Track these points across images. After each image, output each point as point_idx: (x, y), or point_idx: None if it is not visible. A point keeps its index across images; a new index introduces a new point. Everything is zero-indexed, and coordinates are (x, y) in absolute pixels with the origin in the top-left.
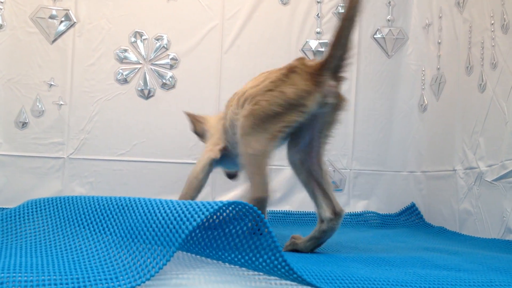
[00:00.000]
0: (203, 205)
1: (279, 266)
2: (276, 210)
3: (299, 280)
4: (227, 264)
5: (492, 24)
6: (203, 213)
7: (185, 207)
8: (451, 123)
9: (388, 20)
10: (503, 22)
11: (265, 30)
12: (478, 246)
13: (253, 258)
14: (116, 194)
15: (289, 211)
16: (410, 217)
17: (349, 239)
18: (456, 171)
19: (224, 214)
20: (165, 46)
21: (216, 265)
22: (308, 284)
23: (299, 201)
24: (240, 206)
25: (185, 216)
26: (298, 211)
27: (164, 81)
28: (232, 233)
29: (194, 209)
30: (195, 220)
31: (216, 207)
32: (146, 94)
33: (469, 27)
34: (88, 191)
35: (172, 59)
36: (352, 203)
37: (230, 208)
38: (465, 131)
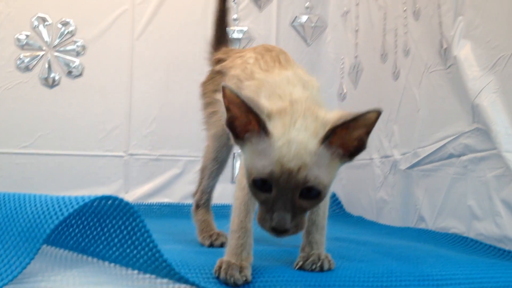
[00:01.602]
0: (72, 199)
1: (156, 263)
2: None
3: (177, 277)
4: (102, 262)
5: (405, 10)
6: (72, 207)
7: (53, 201)
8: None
9: (307, 8)
10: (415, 8)
11: (179, 16)
12: (391, 235)
13: (130, 255)
14: (19, 190)
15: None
16: (331, 206)
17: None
18: (373, 160)
19: (98, 208)
20: (71, 31)
21: (90, 264)
22: (187, 281)
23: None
24: (112, 200)
25: (53, 210)
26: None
27: (70, 69)
28: (108, 228)
29: (62, 203)
30: (62, 214)
31: (85, 201)
32: (50, 82)
33: (383, 14)
34: None
35: (78, 45)
36: None
37: (102, 202)
38: (380, 119)
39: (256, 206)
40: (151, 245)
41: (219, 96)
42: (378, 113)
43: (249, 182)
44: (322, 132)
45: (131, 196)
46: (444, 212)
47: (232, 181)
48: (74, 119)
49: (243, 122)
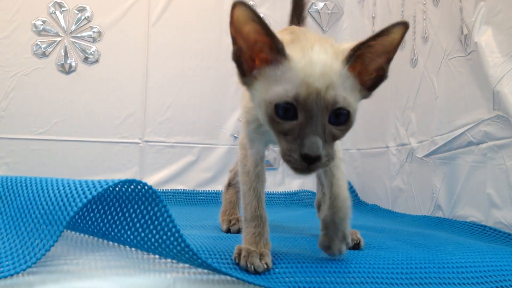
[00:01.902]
0: (95, 183)
1: (178, 248)
2: (208, 191)
3: (199, 262)
4: (123, 247)
5: None
6: (95, 190)
7: (76, 184)
8: (385, 99)
9: None
10: None
11: (195, 2)
12: (407, 223)
13: (152, 240)
14: (35, 175)
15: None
16: None
17: (279, 218)
18: (389, 148)
19: (120, 192)
20: (88, 17)
21: (112, 249)
22: (208, 266)
23: None
24: (135, 184)
25: (76, 193)
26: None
27: (86, 55)
28: (129, 213)
29: (85, 186)
30: (86, 197)
31: (109, 184)
32: (67, 68)
33: (402, 1)
34: (4, 172)
35: (95, 31)
36: (287, 182)
37: (125, 186)
38: (397, 107)
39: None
40: (173, 230)
41: None
42: (404, 27)
43: (268, 115)
44: (342, 56)
45: (147, 182)
46: (462, 200)
47: None
48: (90, 105)
49: (250, 56)
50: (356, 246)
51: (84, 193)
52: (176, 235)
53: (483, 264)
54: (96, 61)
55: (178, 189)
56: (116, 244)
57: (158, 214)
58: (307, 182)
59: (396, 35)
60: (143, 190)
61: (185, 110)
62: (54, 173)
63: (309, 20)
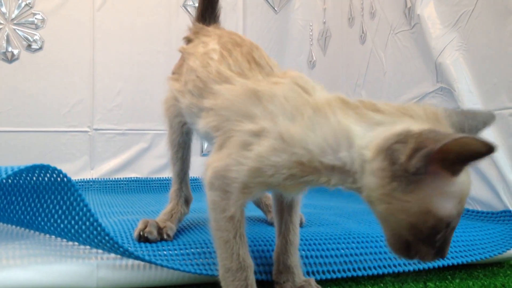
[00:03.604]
0: (1, 169)
1: (99, 238)
2: (162, 178)
3: (122, 251)
4: (43, 235)
5: None
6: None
7: None
8: (337, 77)
9: None
10: None
11: None
12: (354, 200)
13: (72, 230)
14: None
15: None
16: None
17: None
18: None
19: (29, 178)
20: (29, 4)
21: (31, 237)
22: (133, 256)
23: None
24: (50, 171)
25: None
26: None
27: (29, 42)
28: (46, 201)
29: None
30: None
31: (13, 171)
32: (9, 57)
33: None
34: None
35: (38, 18)
36: None
37: (41, 174)
38: (349, 85)
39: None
40: (91, 219)
41: (174, 77)
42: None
43: (424, 226)
44: None
45: (98, 172)
46: None
47: (202, 153)
48: (35, 94)
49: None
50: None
51: None
52: (95, 224)
53: None
54: (40, 48)
55: (131, 177)
56: (36, 232)
57: (75, 203)
58: None
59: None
60: (58, 178)
61: (135, 96)
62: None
63: (260, 1)
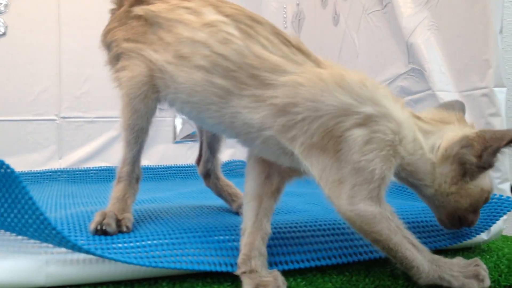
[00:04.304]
0: None
1: (46, 232)
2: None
3: (65, 242)
4: None
5: None
6: None
7: None
8: None
9: None
10: None
11: None
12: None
13: (19, 224)
14: None
15: (148, 166)
16: None
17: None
18: None
19: None
20: None
21: None
22: (83, 250)
23: (159, 154)
24: None
25: None
26: (159, 166)
27: None
28: None
29: None
30: None
31: None
32: None
33: None
34: None
35: (0, 3)
36: None
37: None
38: None
39: None
40: (37, 213)
41: (137, 47)
42: None
43: (481, 200)
44: None
45: (66, 161)
46: None
47: (174, 141)
48: None
49: None
50: None
51: None
52: (41, 217)
53: None
54: (3, 34)
55: (101, 167)
56: None
57: (20, 196)
58: (237, 152)
59: None
60: (2, 169)
61: (104, 82)
62: None
63: None
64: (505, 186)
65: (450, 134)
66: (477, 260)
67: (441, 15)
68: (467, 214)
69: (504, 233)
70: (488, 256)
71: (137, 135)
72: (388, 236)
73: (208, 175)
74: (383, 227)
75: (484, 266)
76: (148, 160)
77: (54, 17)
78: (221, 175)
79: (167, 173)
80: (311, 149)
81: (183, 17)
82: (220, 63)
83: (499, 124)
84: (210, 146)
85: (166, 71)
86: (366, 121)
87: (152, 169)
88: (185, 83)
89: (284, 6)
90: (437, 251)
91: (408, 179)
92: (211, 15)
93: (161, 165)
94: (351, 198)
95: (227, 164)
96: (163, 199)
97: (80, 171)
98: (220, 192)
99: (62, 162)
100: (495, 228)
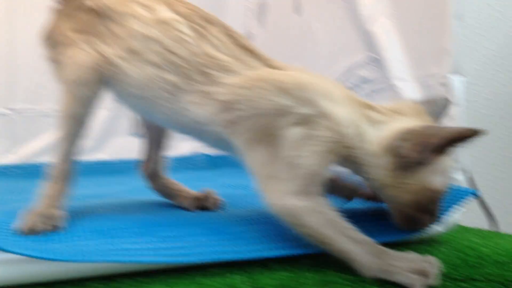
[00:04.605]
0: None
1: None
2: (89, 160)
3: None
4: None
5: None
6: None
7: None
8: (274, 50)
9: None
10: None
11: None
12: None
13: None
14: None
15: (105, 160)
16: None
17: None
18: None
19: None
20: None
21: None
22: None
23: (117, 148)
24: None
25: None
26: (117, 160)
27: None
28: None
29: None
30: None
31: None
32: None
33: None
34: None
35: None
36: (176, 145)
37: None
38: (285, 57)
39: None
40: None
41: (86, 38)
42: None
43: (425, 199)
44: None
45: (19, 156)
46: None
47: (132, 133)
48: None
49: None
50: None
51: None
52: None
53: None
54: None
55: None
56: None
57: None
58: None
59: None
60: None
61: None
62: None
63: None
64: (461, 177)
65: (397, 125)
66: (429, 256)
67: (400, 2)
68: (415, 213)
69: (464, 224)
70: (442, 249)
71: (79, 126)
72: (318, 229)
73: (155, 176)
74: (310, 221)
75: (435, 262)
76: (103, 153)
77: (4, 4)
78: (165, 174)
79: (123, 167)
80: (251, 145)
81: (136, 11)
82: (171, 60)
83: (458, 114)
84: (158, 145)
85: (116, 65)
86: (304, 121)
87: (108, 164)
88: (137, 78)
89: None
90: (389, 245)
91: (361, 174)
92: (165, 13)
93: (117, 159)
94: (280, 193)
95: (189, 158)
96: (111, 194)
97: (35, 165)
98: (169, 191)
99: (15, 156)
100: (451, 219)
